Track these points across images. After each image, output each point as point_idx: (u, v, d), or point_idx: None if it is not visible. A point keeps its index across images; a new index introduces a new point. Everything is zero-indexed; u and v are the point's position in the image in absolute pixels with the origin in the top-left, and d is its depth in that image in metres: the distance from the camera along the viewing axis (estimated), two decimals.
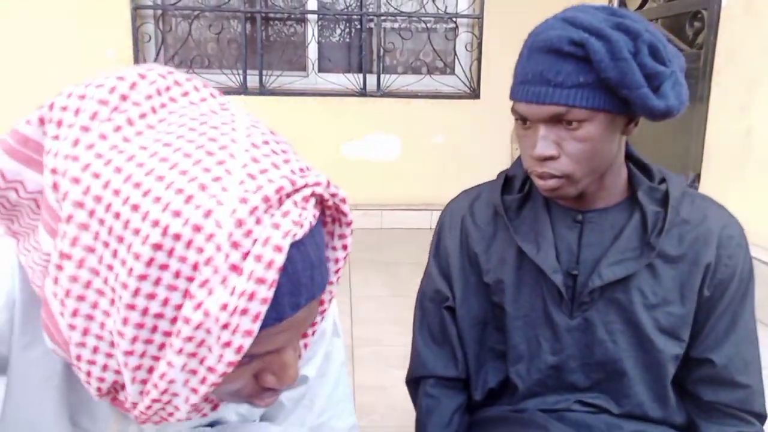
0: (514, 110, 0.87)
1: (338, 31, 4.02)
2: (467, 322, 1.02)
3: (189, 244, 0.45)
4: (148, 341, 0.49)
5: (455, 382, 1.06)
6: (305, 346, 0.65)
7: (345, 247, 0.59)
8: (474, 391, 1.04)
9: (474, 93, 3.92)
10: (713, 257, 0.90)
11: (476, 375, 1.04)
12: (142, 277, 0.46)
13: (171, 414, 0.54)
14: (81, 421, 0.68)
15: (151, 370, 0.51)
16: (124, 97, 0.51)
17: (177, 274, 0.46)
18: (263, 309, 0.46)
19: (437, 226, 1.06)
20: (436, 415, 1.03)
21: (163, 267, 0.46)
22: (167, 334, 0.49)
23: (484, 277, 0.99)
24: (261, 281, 0.46)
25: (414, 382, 1.11)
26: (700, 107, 2.57)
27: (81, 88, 0.52)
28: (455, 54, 3.98)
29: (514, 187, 0.98)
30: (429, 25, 3.93)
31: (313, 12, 3.84)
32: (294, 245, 0.48)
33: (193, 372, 0.49)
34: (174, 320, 0.48)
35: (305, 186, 0.50)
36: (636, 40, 0.79)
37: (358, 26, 3.93)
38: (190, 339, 0.47)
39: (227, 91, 3.77)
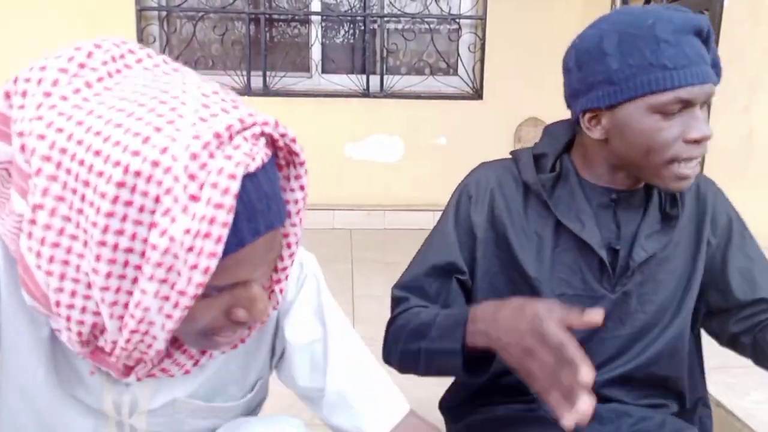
0: (674, 99, 0.82)
1: (342, 33, 4.03)
2: (485, 296, 0.98)
3: (149, 179, 0.50)
4: (122, 276, 0.53)
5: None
6: (281, 291, 0.68)
7: (302, 188, 0.62)
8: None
9: (477, 94, 3.93)
10: (711, 209, 0.99)
11: None
12: (110, 215, 0.50)
13: (150, 346, 0.57)
14: (76, 393, 0.70)
15: (126, 305, 0.55)
16: (81, 65, 0.56)
17: (141, 209, 0.50)
18: (224, 232, 0.51)
19: (460, 195, 1.01)
20: (426, 312, 0.94)
21: (128, 203, 0.50)
22: (138, 267, 0.53)
23: (517, 253, 0.96)
24: (219, 206, 0.50)
25: (392, 323, 1.01)
26: None
27: (41, 60, 0.57)
28: (458, 55, 3.99)
29: (545, 166, 0.97)
30: (432, 26, 3.94)
31: (316, 13, 3.86)
32: (247, 177, 0.53)
33: (166, 298, 0.53)
34: (143, 254, 0.52)
35: (254, 124, 0.54)
36: None
37: (362, 27, 3.94)
38: (159, 265, 0.51)
39: None
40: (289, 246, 0.65)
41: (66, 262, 0.54)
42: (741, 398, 1.54)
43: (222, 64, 3.89)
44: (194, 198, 0.50)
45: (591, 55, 0.87)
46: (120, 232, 0.51)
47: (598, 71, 0.86)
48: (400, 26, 3.98)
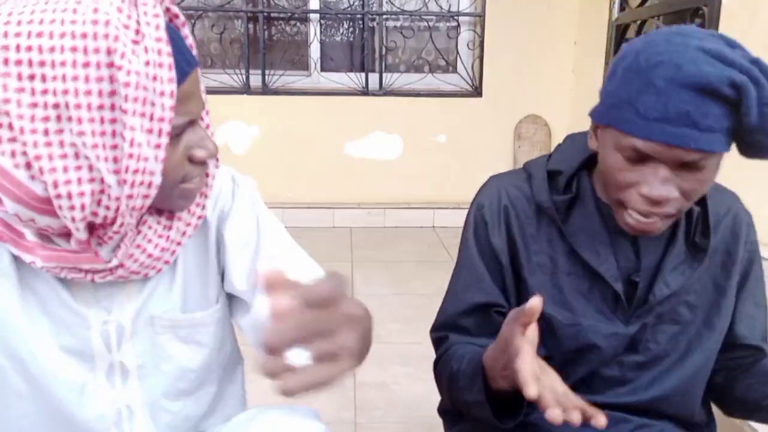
0: (632, 147, 0.76)
1: (341, 30, 4.03)
2: None
3: (95, 35, 0.58)
4: (103, 133, 0.61)
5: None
6: (212, 135, 0.76)
7: (192, 47, 0.71)
8: None
9: (476, 91, 3.93)
10: (743, 244, 0.93)
11: None
12: (75, 78, 0.58)
13: (150, 185, 0.65)
14: (62, 341, 0.75)
15: (116, 159, 0.62)
16: None
17: (98, 66, 0.58)
18: (171, 60, 0.61)
19: (476, 220, 0.96)
20: (460, 351, 0.93)
21: (86, 65, 0.58)
22: (113, 121, 0.61)
23: (528, 277, 0.93)
24: (159, 39, 0.61)
25: (438, 361, 0.99)
26: None
27: None
28: (457, 52, 3.98)
29: (559, 185, 0.92)
30: (431, 23, 3.94)
31: (315, 11, 3.86)
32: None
33: (150, 131, 0.62)
34: (113, 107, 0.60)
35: None
36: None
37: (361, 25, 3.94)
38: (136, 99, 0.60)
39: (230, 91, 3.79)
40: (204, 107, 0.74)
41: (48, 144, 0.60)
42: None
43: (221, 63, 3.89)
44: (136, 41, 0.60)
45: (612, 68, 0.82)
46: (88, 93, 0.59)
47: (605, 86, 0.82)
48: (398, 24, 3.98)
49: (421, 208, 3.86)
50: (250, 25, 3.84)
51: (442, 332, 0.97)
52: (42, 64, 0.57)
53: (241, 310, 0.87)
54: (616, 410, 0.93)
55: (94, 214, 0.65)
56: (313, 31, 3.88)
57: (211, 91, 4.35)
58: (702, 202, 0.89)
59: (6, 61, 0.57)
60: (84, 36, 0.58)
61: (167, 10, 0.68)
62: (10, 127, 0.59)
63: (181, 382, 0.83)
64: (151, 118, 0.61)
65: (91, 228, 0.68)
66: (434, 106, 3.88)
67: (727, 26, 2.46)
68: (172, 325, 0.81)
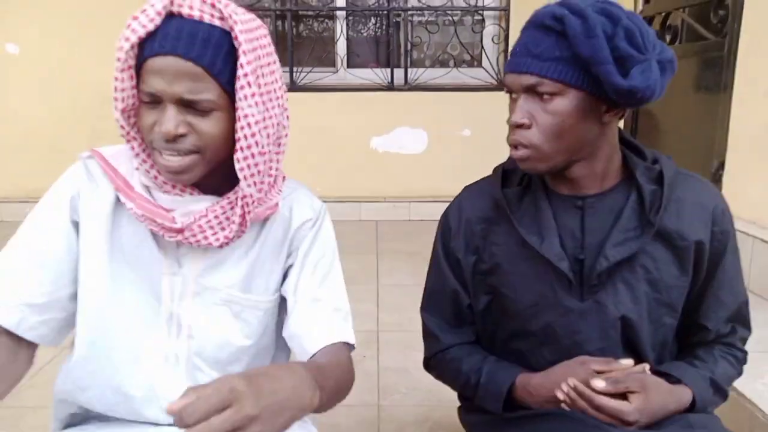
0: (503, 80, 0.93)
1: (367, 27, 4.09)
2: (480, 313, 1.07)
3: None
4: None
5: (474, 344, 1.11)
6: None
7: (244, 68, 0.82)
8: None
9: (501, 85, 3.94)
10: (707, 233, 0.96)
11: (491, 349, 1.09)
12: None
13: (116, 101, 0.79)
14: (139, 272, 0.87)
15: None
16: None
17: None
18: (127, 33, 0.78)
19: (443, 225, 1.10)
20: (467, 361, 1.06)
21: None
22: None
23: (490, 269, 1.03)
24: (134, 18, 0.79)
25: (432, 358, 1.14)
26: (725, 95, 2.57)
27: None
28: (482, 46, 4.01)
29: (513, 181, 1.03)
30: (456, 18, 3.97)
31: (341, 8, 3.92)
32: (175, 16, 0.78)
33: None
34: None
35: None
36: (615, 25, 0.85)
37: (386, 21, 3.99)
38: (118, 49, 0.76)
39: None
40: (241, 122, 0.81)
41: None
42: (754, 381, 1.55)
43: None
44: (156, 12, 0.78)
45: None
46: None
47: None
48: (423, 19, 4.02)
49: (446, 201, 3.84)
50: (278, 23, 3.92)
51: (431, 323, 1.12)
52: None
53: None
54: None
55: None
56: (340, 28, 3.95)
57: None
58: (661, 182, 0.95)
59: None
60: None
61: (228, 16, 0.80)
62: None
63: (221, 352, 0.91)
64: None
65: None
66: (459, 100, 3.92)
67: (751, 17, 2.46)
68: (228, 300, 0.90)
